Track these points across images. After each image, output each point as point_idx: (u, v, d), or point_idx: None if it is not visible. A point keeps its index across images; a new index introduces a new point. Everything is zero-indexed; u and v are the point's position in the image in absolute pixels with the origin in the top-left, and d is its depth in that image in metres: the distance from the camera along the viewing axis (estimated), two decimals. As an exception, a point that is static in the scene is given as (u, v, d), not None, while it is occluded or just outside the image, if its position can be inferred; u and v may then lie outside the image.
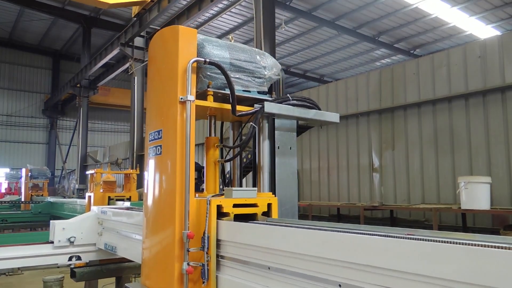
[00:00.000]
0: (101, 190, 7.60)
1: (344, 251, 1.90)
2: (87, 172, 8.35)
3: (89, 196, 7.45)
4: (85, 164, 17.41)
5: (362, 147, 8.73)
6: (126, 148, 17.70)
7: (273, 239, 2.31)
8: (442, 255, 1.53)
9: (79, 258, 4.89)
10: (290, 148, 3.25)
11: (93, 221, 4.94)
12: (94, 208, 5.11)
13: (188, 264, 2.59)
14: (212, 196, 2.71)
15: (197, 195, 2.89)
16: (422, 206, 7.17)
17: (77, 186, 16.46)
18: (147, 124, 3.20)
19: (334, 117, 3.39)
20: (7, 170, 21.78)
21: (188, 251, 2.61)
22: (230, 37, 3.51)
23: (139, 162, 12.08)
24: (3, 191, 17.99)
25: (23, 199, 12.57)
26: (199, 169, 3.94)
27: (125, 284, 3.06)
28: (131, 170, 8.28)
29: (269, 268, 2.31)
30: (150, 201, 3.04)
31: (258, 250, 2.39)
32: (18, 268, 11.91)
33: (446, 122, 7.60)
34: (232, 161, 3.45)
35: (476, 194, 6.02)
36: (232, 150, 3.38)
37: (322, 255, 2.01)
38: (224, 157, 3.37)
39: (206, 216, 2.61)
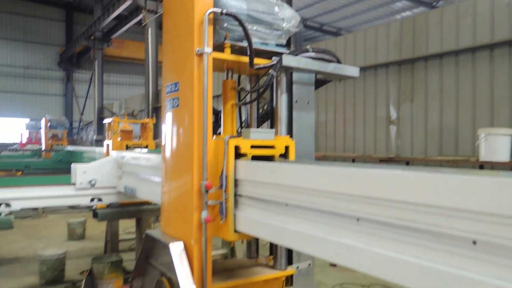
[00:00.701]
0: (119, 139, 7.70)
1: (363, 185, 1.90)
2: (104, 121, 8.45)
3: (107, 144, 7.56)
4: (102, 116, 17.59)
5: (380, 99, 8.59)
6: (141, 101, 17.77)
7: (291, 176, 2.31)
8: (465, 186, 1.51)
9: (100, 199, 5.06)
10: (308, 102, 3.20)
11: (112, 165, 5.06)
12: (113, 153, 5.22)
13: (207, 212, 2.65)
14: (230, 137, 2.71)
15: (214, 136, 2.90)
16: (439, 158, 7.12)
17: (94, 137, 16.76)
18: (163, 77, 3.19)
19: (353, 71, 3.29)
20: (27, 120, 22.24)
21: (206, 203, 2.66)
22: (248, -14, 3.38)
23: (155, 113, 12.17)
24: (24, 141, 18.44)
25: (43, 148, 12.91)
26: (215, 113, 3.94)
27: (146, 231, 3.14)
28: (148, 119, 8.35)
29: (286, 205, 2.33)
30: (168, 151, 3.05)
31: (275, 188, 2.40)
32: (43, 212, 12.47)
33: (468, 73, 7.37)
34: (249, 108, 3.43)
35: (496, 146, 5.94)
36: (250, 94, 3.35)
37: (340, 190, 2.01)
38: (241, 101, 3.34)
39: (224, 156, 2.63)
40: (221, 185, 2.65)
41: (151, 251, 3.17)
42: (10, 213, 4.59)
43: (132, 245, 8.75)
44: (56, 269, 6.97)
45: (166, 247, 2.81)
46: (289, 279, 3.22)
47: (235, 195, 2.69)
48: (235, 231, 2.68)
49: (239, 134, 2.92)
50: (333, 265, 7.83)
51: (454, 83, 7.53)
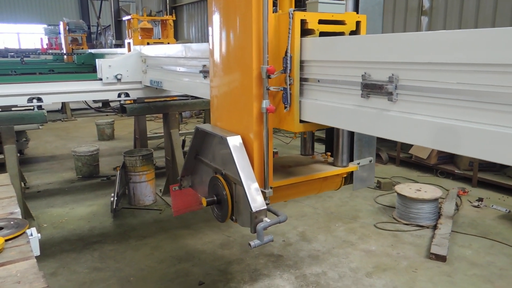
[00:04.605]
0: (140, 37, 7.59)
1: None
2: (124, 18, 8.24)
3: (128, 43, 7.48)
4: (119, 19, 17.17)
5: (413, -12, 7.96)
6: (158, 1, 17.11)
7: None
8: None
9: (127, 95, 5.13)
10: None
11: (136, 59, 5.03)
12: (136, 47, 5.16)
13: (268, 101, 2.34)
14: (295, 10, 2.28)
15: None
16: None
17: (114, 41, 16.54)
18: None
19: None
20: (45, 25, 21.95)
21: (267, 91, 2.33)
22: None
23: (174, 11, 11.75)
24: (44, 46, 18.39)
25: (65, 52, 12.89)
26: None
27: (196, 126, 2.88)
28: (167, 16, 8.10)
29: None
30: (217, 34, 2.67)
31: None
32: (72, 115, 12.91)
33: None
34: None
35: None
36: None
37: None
38: None
39: (289, 33, 2.25)
40: (285, 68, 2.29)
41: (201, 147, 2.94)
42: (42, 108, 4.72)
43: (160, 144, 9.11)
44: (91, 165, 7.40)
45: (222, 142, 2.56)
46: (348, 177, 3.02)
47: (301, 79, 2.36)
48: (301, 121, 2.40)
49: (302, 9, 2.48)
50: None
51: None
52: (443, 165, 7.12)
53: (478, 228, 5.12)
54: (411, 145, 7.35)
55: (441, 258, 4.34)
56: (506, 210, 5.58)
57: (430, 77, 1.62)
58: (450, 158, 7.17)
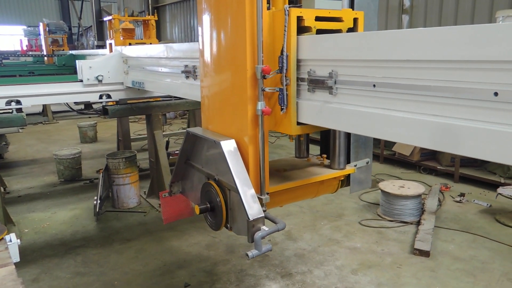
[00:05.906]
0: (121, 38, 7.50)
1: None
2: (105, 19, 8.13)
3: (110, 44, 7.38)
4: (101, 20, 16.95)
5: (393, -13, 8.06)
6: (140, 1, 16.95)
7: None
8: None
9: (109, 96, 5.06)
10: None
11: (118, 60, 4.96)
12: (117, 48, 5.09)
13: (264, 103, 2.22)
14: (291, 6, 2.19)
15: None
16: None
17: (95, 42, 16.32)
18: None
19: None
20: (24, 27, 21.52)
21: (263, 92, 2.21)
22: None
23: (156, 11, 11.65)
24: (24, 48, 18.02)
25: (45, 54, 12.67)
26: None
27: (187, 129, 2.76)
28: (149, 16, 8.01)
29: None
30: (207, 34, 2.55)
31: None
32: (53, 117, 12.68)
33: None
34: None
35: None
36: None
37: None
38: None
39: (285, 30, 2.16)
40: (281, 68, 2.19)
41: (192, 152, 2.81)
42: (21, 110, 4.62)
43: (144, 145, 9.02)
44: (73, 168, 7.28)
45: (215, 146, 2.44)
46: (344, 179, 2.93)
47: (297, 79, 2.26)
48: (298, 123, 2.29)
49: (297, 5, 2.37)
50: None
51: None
52: (425, 162, 7.22)
53: (460, 223, 5.20)
54: (395, 143, 7.43)
55: (425, 254, 4.39)
56: (487, 204, 5.69)
57: (362, 73, 1.83)
58: (432, 154, 7.28)
